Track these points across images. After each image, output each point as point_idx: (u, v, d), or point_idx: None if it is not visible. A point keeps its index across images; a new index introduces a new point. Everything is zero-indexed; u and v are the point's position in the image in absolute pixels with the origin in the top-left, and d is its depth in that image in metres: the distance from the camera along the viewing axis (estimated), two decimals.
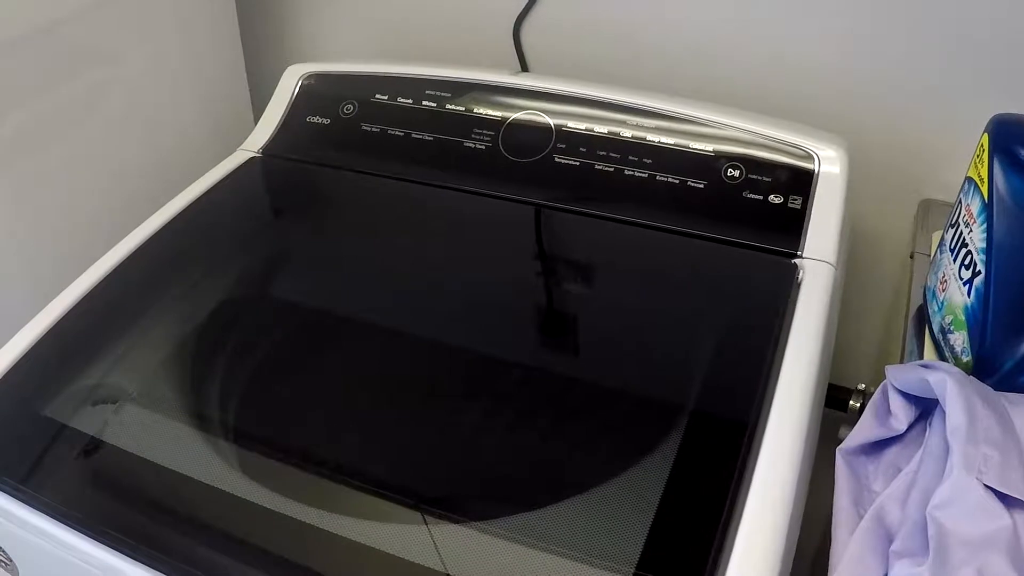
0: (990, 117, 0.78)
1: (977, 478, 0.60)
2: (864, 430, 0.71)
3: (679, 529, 0.62)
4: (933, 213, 1.01)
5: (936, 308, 0.82)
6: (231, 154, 1.08)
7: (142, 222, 0.96)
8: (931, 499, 0.60)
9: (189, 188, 1.02)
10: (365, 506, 0.66)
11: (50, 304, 0.85)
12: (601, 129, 0.94)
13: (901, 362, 0.85)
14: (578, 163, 0.93)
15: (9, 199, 1.01)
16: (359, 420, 0.76)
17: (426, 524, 0.64)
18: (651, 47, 1.13)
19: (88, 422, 0.75)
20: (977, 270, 0.75)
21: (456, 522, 0.64)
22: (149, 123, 1.17)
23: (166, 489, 0.69)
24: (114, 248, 0.93)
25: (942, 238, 0.84)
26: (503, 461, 0.72)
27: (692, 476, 0.65)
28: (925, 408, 0.71)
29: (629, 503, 0.64)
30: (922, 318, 0.86)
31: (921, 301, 0.88)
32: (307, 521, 0.65)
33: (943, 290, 0.81)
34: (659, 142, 0.92)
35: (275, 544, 0.64)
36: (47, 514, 0.68)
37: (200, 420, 0.75)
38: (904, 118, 1.03)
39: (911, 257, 0.96)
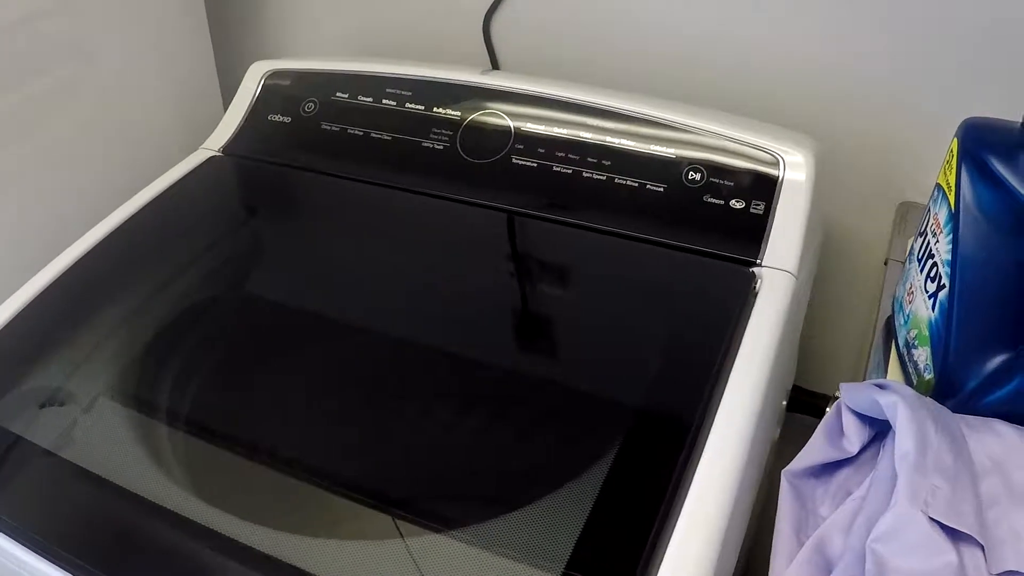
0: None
1: (922, 510, 0.56)
2: (813, 451, 0.67)
3: (612, 532, 0.61)
4: (912, 217, 0.97)
5: (903, 321, 0.78)
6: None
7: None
8: (872, 530, 0.56)
9: (147, 188, 1.00)
10: (323, 521, 0.65)
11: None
12: (561, 130, 0.91)
13: (864, 376, 0.80)
14: (536, 164, 0.90)
15: None
16: (311, 426, 0.73)
17: (399, 535, 0.63)
18: (624, 44, 1.09)
19: (37, 430, 0.73)
20: (942, 283, 0.71)
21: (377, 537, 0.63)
22: (120, 120, 1.15)
23: (110, 504, 0.68)
24: (66, 250, 0.92)
25: (911, 247, 0.80)
26: (441, 467, 0.69)
27: (629, 481, 0.63)
28: (880, 429, 0.67)
29: (564, 507, 0.62)
30: (890, 330, 0.82)
31: (891, 312, 0.83)
32: (245, 541, 0.63)
33: (910, 302, 0.77)
34: (619, 144, 0.88)
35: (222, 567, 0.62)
36: None
37: (154, 431, 0.73)
38: (884, 118, 0.99)
39: (885, 264, 0.92)
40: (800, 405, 1.07)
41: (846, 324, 1.12)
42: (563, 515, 0.62)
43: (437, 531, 0.62)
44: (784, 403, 0.88)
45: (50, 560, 0.64)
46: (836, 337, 1.14)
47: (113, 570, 0.63)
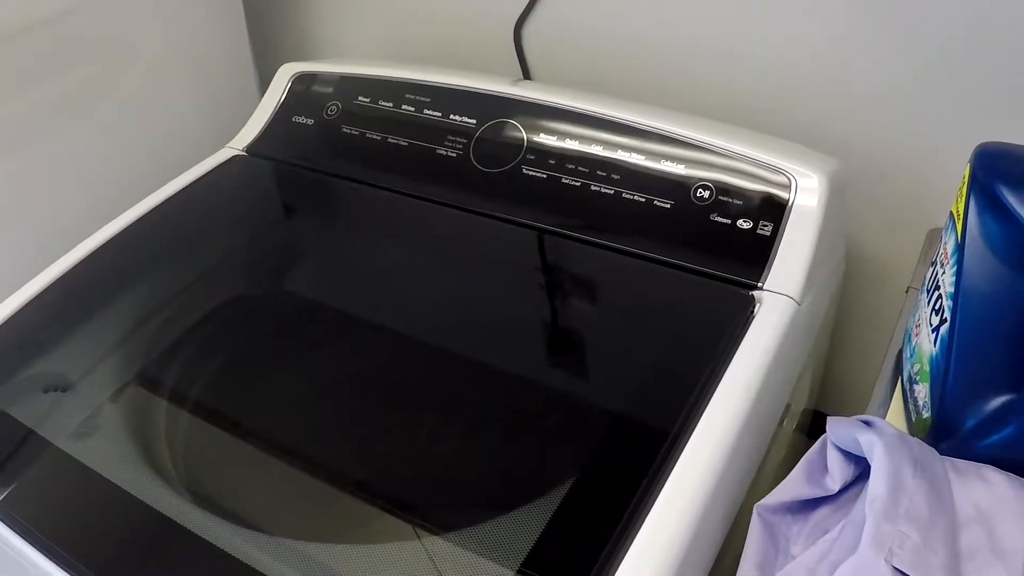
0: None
1: (886, 559, 0.53)
2: (790, 487, 0.64)
3: (566, 543, 0.61)
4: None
5: (909, 354, 0.74)
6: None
7: None
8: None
9: (168, 184, 1.02)
10: (313, 528, 0.65)
11: (4, 301, 0.85)
12: (572, 143, 0.89)
13: (867, 410, 0.77)
14: (545, 176, 0.89)
15: (15, 185, 1.02)
16: (310, 431, 0.73)
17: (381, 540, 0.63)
18: (655, 57, 1.07)
19: (37, 417, 0.75)
20: (944, 317, 0.67)
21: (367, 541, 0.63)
22: (154, 117, 1.17)
23: (112, 505, 0.68)
24: (84, 241, 0.94)
25: (924, 276, 0.76)
26: (423, 469, 0.70)
27: (592, 497, 0.63)
28: (866, 468, 0.64)
29: (527, 519, 0.63)
30: (900, 363, 0.78)
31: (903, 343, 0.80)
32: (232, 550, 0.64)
33: (916, 335, 0.73)
34: (629, 158, 0.86)
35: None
36: None
37: (156, 427, 0.74)
38: (917, 142, 0.95)
39: (906, 292, 0.88)
40: (822, 431, 1.03)
41: (871, 351, 1.08)
42: (525, 523, 0.62)
43: (426, 532, 0.63)
44: (789, 427, 0.85)
45: (56, 562, 0.65)
46: (862, 363, 1.10)
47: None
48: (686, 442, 0.64)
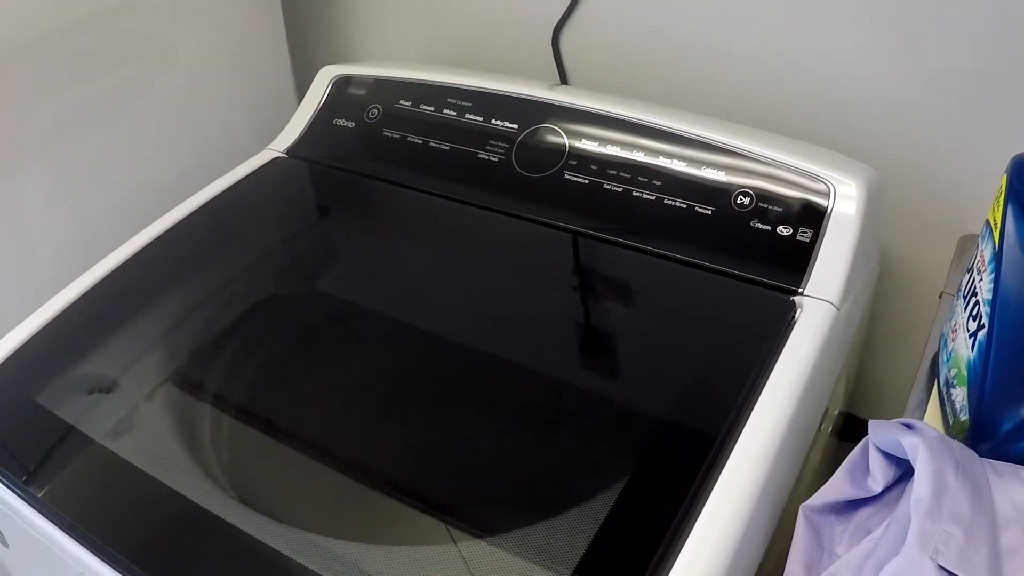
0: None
1: (932, 557, 0.55)
2: (834, 488, 0.66)
3: (619, 546, 0.62)
4: (972, 251, 0.94)
5: (945, 358, 0.76)
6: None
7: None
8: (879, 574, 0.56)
9: (209, 186, 1.04)
10: (353, 528, 0.66)
11: (49, 301, 0.87)
12: (614, 148, 0.91)
13: (906, 412, 0.79)
14: (587, 181, 0.91)
15: (47, 185, 1.04)
16: (352, 428, 0.75)
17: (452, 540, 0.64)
18: (694, 64, 1.09)
19: (83, 416, 0.76)
20: (982, 323, 0.69)
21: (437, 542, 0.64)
22: (193, 117, 1.19)
23: (153, 500, 0.70)
24: (127, 243, 0.96)
25: (960, 282, 0.78)
26: (485, 472, 0.71)
27: (644, 500, 0.64)
28: (908, 469, 0.66)
29: (579, 522, 0.64)
30: (935, 367, 0.80)
31: (938, 348, 0.82)
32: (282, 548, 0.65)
33: (953, 340, 0.75)
34: (671, 165, 0.88)
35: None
36: (38, 509, 0.70)
37: (200, 426, 0.76)
38: (951, 149, 0.97)
39: (939, 297, 0.90)
40: (854, 434, 1.05)
41: (904, 355, 1.10)
42: (577, 525, 0.63)
43: (468, 535, 0.64)
44: (827, 431, 0.87)
45: (101, 557, 0.66)
46: (894, 367, 1.12)
47: (161, 568, 0.65)
48: (734, 444, 0.66)
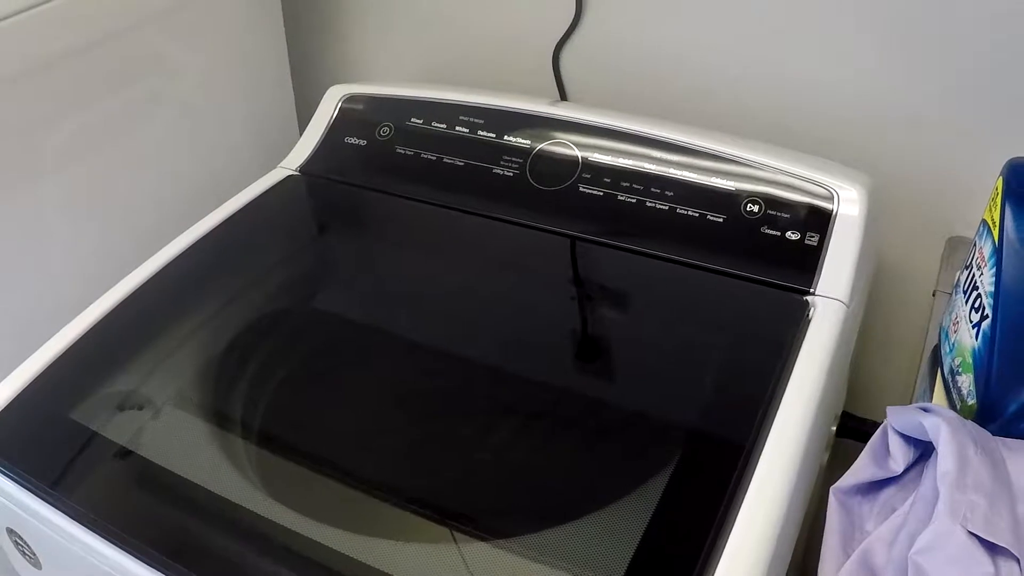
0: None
1: (961, 524, 0.60)
2: (859, 470, 0.71)
3: (666, 547, 0.64)
4: (960, 251, 1.01)
5: (948, 349, 0.82)
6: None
7: (183, 231, 1.01)
8: (915, 543, 0.61)
9: (226, 203, 1.06)
10: (388, 525, 0.68)
11: (76, 318, 0.89)
12: (626, 161, 0.96)
13: (911, 401, 0.85)
14: (601, 193, 0.95)
15: (61, 202, 1.05)
16: (378, 438, 0.78)
17: (455, 541, 0.67)
18: (690, 80, 1.14)
19: (117, 430, 0.78)
20: (985, 314, 0.75)
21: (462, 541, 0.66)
22: (198, 135, 1.21)
23: (190, 502, 0.72)
24: (148, 260, 0.97)
25: (957, 279, 0.84)
26: (512, 479, 0.74)
27: (683, 499, 0.67)
28: (925, 450, 0.71)
29: (620, 522, 0.66)
30: (937, 358, 0.86)
31: (937, 341, 0.88)
32: (324, 542, 0.67)
33: (955, 332, 0.81)
34: (682, 175, 0.93)
35: (297, 568, 0.66)
36: (71, 516, 0.72)
37: (227, 435, 0.78)
38: (935, 155, 1.03)
39: (933, 295, 0.96)
40: (849, 431, 1.10)
41: (895, 353, 1.16)
42: (618, 529, 0.65)
43: (492, 540, 0.66)
44: (833, 428, 0.92)
45: (131, 554, 0.69)
46: (885, 365, 1.17)
47: (187, 563, 0.67)
48: (764, 443, 0.69)
